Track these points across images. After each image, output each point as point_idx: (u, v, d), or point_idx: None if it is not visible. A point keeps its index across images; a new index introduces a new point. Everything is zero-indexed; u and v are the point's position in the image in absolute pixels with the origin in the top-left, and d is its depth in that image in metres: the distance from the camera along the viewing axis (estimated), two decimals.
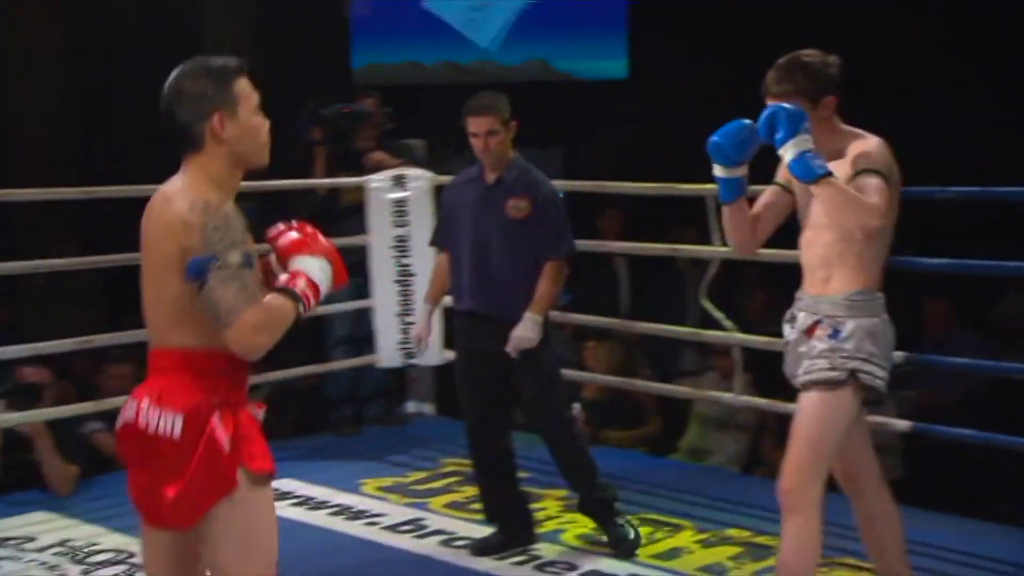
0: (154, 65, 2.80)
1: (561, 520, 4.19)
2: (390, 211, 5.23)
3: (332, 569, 3.82)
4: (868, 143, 2.93)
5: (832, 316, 2.95)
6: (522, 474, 4.02)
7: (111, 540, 3.96)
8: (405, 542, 4.04)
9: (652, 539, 4.03)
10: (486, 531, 3.98)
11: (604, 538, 3.92)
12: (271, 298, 2.25)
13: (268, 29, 8.40)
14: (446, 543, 4.01)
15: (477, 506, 4.08)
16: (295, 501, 4.45)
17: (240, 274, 2.19)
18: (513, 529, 3.93)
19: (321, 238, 2.37)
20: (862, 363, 2.92)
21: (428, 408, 5.76)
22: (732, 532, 4.07)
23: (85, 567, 3.76)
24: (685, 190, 4.59)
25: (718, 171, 3.00)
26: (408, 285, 5.23)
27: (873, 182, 2.84)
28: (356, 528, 4.18)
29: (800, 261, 3.06)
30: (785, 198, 3.11)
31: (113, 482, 4.04)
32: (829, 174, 2.80)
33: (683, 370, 6.10)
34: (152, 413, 2.22)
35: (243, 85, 2.30)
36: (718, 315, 4.60)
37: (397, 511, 4.34)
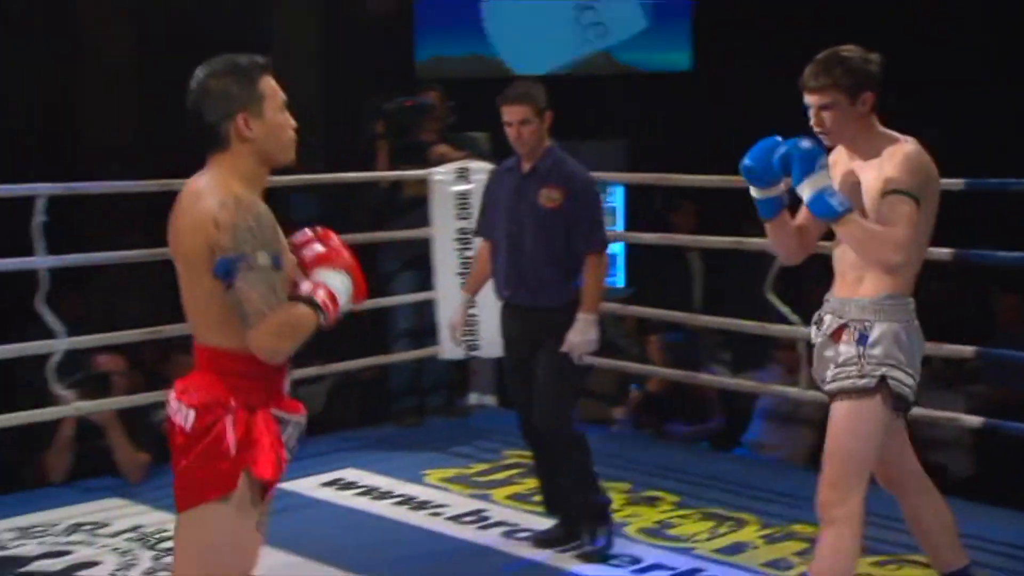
0: None
1: (624, 513, 4.18)
2: (453, 204, 5.25)
3: (396, 558, 3.84)
4: (904, 148, 2.84)
5: (860, 320, 2.88)
6: None
7: None
8: (468, 533, 4.06)
9: (716, 533, 4.01)
10: (548, 523, 3.98)
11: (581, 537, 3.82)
12: (294, 306, 2.24)
13: (333, 25, 8.46)
14: (508, 534, 4.03)
15: (539, 498, 4.08)
16: (359, 491, 4.49)
17: (268, 276, 2.19)
18: (575, 521, 3.91)
19: (344, 252, 2.35)
20: (891, 369, 2.85)
21: (490, 400, 5.77)
22: (797, 527, 4.03)
23: (156, 552, 3.83)
24: (743, 182, 4.52)
25: (754, 192, 2.95)
26: None
27: (903, 209, 2.76)
28: (419, 518, 4.21)
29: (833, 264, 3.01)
30: None
31: None
32: (849, 211, 2.75)
33: (748, 364, 6.05)
34: (175, 405, 2.29)
35: (268, 83, 2.29)
36: (784, 309, 4.55)
37: (460, 502, 4.36)
